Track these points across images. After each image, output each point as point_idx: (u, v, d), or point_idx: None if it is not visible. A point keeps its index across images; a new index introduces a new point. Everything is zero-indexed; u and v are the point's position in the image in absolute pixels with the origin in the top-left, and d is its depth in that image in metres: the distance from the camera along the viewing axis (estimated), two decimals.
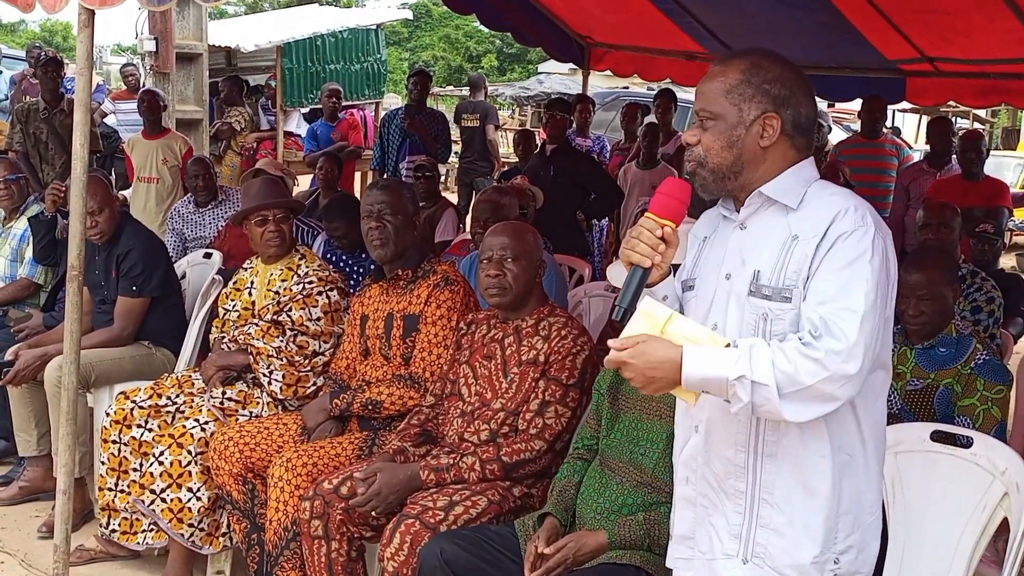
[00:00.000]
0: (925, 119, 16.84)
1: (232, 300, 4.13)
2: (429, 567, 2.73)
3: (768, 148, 2.01)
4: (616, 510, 2.72)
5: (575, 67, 9.15)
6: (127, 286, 4.34)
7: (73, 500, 3.54)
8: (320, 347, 3.88)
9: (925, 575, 2.71)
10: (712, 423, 2.09)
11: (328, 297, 3.94)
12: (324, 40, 12.98)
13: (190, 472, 3.62)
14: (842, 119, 18.06)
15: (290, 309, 3.88)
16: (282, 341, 3.83)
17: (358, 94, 13.30)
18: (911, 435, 2.85)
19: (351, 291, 4.12)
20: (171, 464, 3.62)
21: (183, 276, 4.96)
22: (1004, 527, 2.64)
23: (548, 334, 3.18)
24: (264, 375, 3.81)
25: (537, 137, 8.42)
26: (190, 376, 4.02)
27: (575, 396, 3.11)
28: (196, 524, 3.63)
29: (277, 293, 3.96)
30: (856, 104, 7.82)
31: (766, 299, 1.96)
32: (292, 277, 3.97)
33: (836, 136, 11.88)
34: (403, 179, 7.43)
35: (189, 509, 3.61)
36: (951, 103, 7.77)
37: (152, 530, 3.76)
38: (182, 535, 3.62)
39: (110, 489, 3.81)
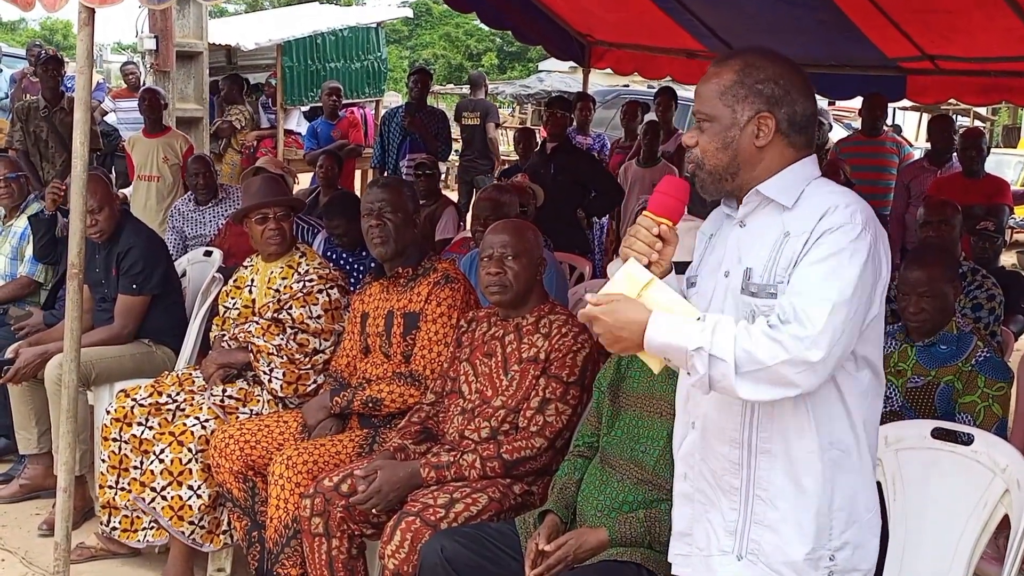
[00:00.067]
0: (926, 117, 16.83)
1: (232, 298, 4.13)
2: (430, 564, 2.73)
3: (764, 148, 2.01)
4: (617, 507, 2.72)
5: (575, 65, 9.15)
6: (127, 284, 4.34)
7: (74, 498, 3.54)
8: (320, 345, 3.88)
9: (926, 572, 2.71)
10: (708, 419, 2.10)
11: (328, 295, 3.94)
12: (324, 38, 12.99)
13: (191, 470, 3.62)
14: (843, 117, 18.05)
15: (290, 307, 3.88)
16: (282, 339, 3.83)
17: (358, 92, 13.30)
18: (912, 432, 2.85)
19: (351, 289, 4.12)
20: (172, 462, 3.63)
21: (183, 274, 4.96)
22: (1005, 524, 2.65)
23: (549, 332, 3.18)
24: (264, 373, 3.81)
25: (537, 135, 8.42)
26: (191, 374, 4.03)
27: (576, 393, 3.11)
28: (197, 522, 3.63)
29: (277, 291, 3.96)
30: (857, 102, 7.82)
31: (753, 296, 1.98)
32: (292, 275, 3.97)
33: (837, 134, 11.87)
34: (403, 177, 7.43)
35: (190, 507, 3.61)
36: (952, 101, 7.77)
37: (153, 528, 3.76)
38: (183, 533, 3.62)
39: (111, 487, 3.81)
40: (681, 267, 2.19)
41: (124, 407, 3.82)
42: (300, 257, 4.03)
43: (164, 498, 3.61)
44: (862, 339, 1.96)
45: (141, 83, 9.91)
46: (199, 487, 3.62)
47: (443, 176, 10.91)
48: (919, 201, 5.74)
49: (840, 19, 5.64)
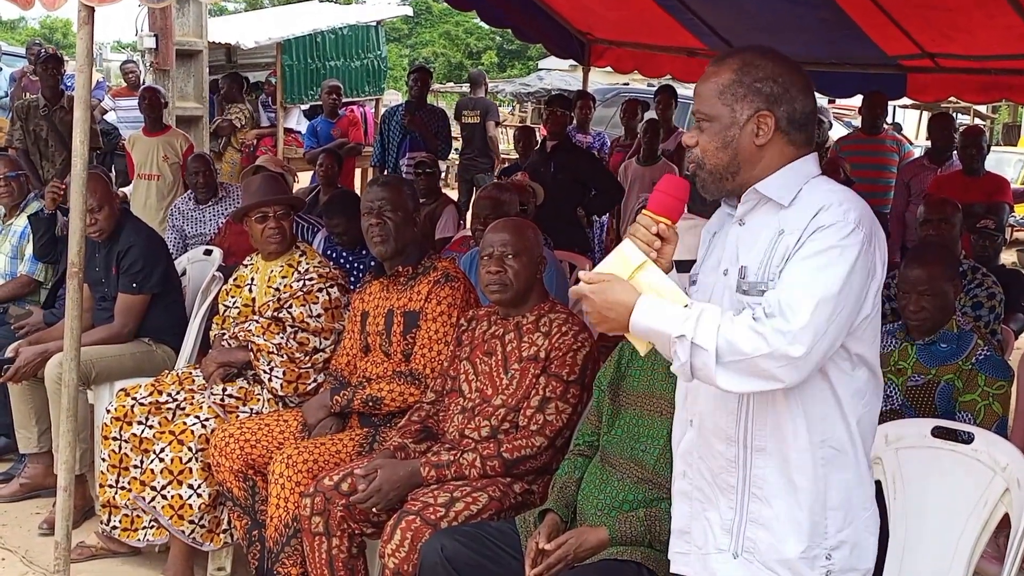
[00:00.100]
0: (926, 115, 16.83)
1: (232, 297, 4.13)
2: (430, 563, 2.73)
3: (764, 146, 2.01)
4: (617, 506, 2.72)
5: (575, 63, 9.13)
6: (127, 283, 4.34)
7: (74, 497, 3.54)
8: (320, 344, 3.88)
9: (926, 571, 2.71)
10: (704, 417, 2.10)
11: (328, 294, 3.94)
12: (324, 37, 12.97)
13: (191, 469, 3.62)
14: (843, 115, 18.04)
15: (290, 306, 3.88)
16: (282, 338, 3.83)
17: (358, 91, 13.29)
18: (912, 431, 2.85)
19: (351, 288, 4.12)
20: (172, 461, 3.63)
21: (183, 273, 4.96)
22: (1005, 523, 2.65)
23: (549, 330, 3.18)
24: (264, 372, 3.81)
25: (537, 133, 8.43)
26: (191, 373, 4.02)
27: (576, 392, 3.11)
28: (197, 521, 3.63)
29: (277, 290, 3.96)
30: (857, 100, 7.81)
31: (744, 294, 1.99)
32: (292, 274, 3.97)
33: (837, 132, 11.86)
34: (403, 175, 7.43)
35: (190, 506, 3.61)
36: (952, 99, 7.77)
37: (153, 527, 3.76)
38: (183, 532, 3.62)
39: (111, 486, 3.81)
40: (683, 265, 2.20)
41: (124, 406, 3.82)
42: (300, 256, 4.03)
43: (164, 497, 3.61)
44: (856, 337, 1.96)
45: (141, 82, 9.90)
46: (199, 486, 3.62)
47: (443, 174, 10.91)
48: (919, 199, 5.74)
49: (840, 17, 5.63)
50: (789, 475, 2.00)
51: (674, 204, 2.04)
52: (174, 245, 5.94)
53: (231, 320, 4.07)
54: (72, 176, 3.44)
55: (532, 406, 3.11)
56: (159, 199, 7.14)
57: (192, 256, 5.17)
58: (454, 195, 8.75)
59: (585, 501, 2.80)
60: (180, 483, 3.62)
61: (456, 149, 10.83)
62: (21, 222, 5.27)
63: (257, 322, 3.89)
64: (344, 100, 10.31)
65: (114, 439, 3.80)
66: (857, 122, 9.62)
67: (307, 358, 3.84)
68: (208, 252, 5.10)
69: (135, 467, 3.73)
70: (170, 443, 3.65)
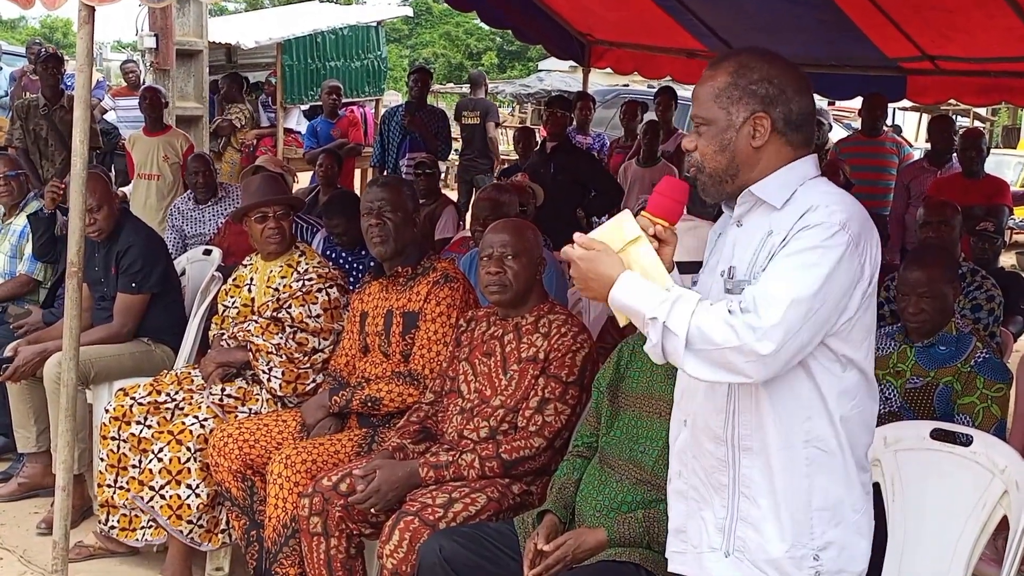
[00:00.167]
0: (926, 117, 16.83)
1: (232, 297, 4.13)
2: (428, 564, 2.73)
3: (761, 148, 2.01)
4: (615, 508, 2.72)
5: (575, 64, 9.14)
6: (127, 283, 4.34)
7: (72, 497, 3.54)
8: (319, 344, 3.88)
9: (925, 573, 2.71)
10: (696, 417, 2.12)
11: (328, 294, 3.93)
12: (324, 37, 12.98)
13: (189, 469, 3.62)
14: (842, 117, 18.06)
15: (290, 306, 3.88)
16: (281, 338, 3.83)
17: (358, 91, 13.30)
18: (911, 433, 2.85)
19: (351, 288, 4.11)
20: (170, 461, 3.62)
21: (183, 273, 4.96)
22: (1004, 525, 2.65)
23: (548, 331, 3.18)
24: (263, 372, 3.81)
25: (537, 134, 8.42)
26: (189, 373, 4.02)
27: (575, 393, 3.11)
28: (195, 521, 3.63)
29: (277, 290, 3.95)
30: (856, 102, 7.82)
31: (730, 293, 2.00)
32: (292, 274, 3.97)
33: (836, 134, 11.87)
34: (403, 176, 7.43)
35: (188, 506, 3.61)
36: (951, 101, 7.76)
37: (151, 527, 3.76)
38: (181, 532, 3.62)
39: (109, 486, 3.81)
40: (684, 267, 2.20)
41: (123, 406, 3.81)
42: (299, 256, 4.03)
43: (163, 497, 3.61)
44: (841, 339, 1.96)
45: (141, 81, 9.90)
46: (198, 486, 3.62)
47: (443, 175, 10.89)
48: (919, 201, 5.75)
49: (840, 18, 5.64)
50: (773, 474, 2.00)
51: (672, 206, 2.05)
52: (173, 245, 5.94)
53: (230, 320, 4.07)
54: (72, 176, 3.44)
55: (531, 407, 3.11)
56: (159, 199, 7.14)
57: (191, 256, 5.17)
58: (454, 196, 8.75)
59: (584, 502, 2.80)
60: (178, 483, 3.61)
61: (456, 150, 10.84)
62: (20, 221, 5.27)
63: (256, 322, 3.89)
64: (344, 100, 10.31)
65: (113, 439, 3.79)
66: (857, 124, 9.62)
67: (306, 358, 3.84)
68: (207, 252, 5.10)
69: (133, 467, 3.73)
70: (169, 443, 3.65)
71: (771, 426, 1.99)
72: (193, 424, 3.69)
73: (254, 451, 3.50)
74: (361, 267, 4.91)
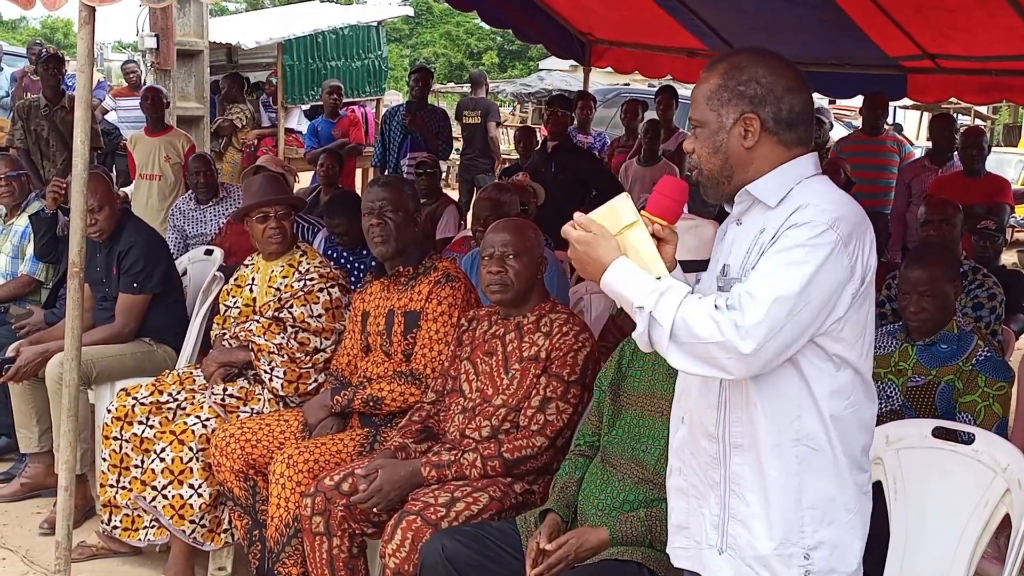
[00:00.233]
0: (926, 116, 16.82)
1: (233, 297, 4.14)
2: (431, 563, 2.74)
3: (753, 148, 2.01)
4: (618, 506, 2.72)
5: (576, 64, 9.13)
6: (128, 283, 4.34)
7: (75, 497, 3.54)
8: (321, 344, 3.88)
9: (927, 572, 2.71)
10: (692, 414, 2.12)
11: (329, 294, 3.94)
12: (325, 37, 12.97)
13: (191, 468, 3.63)
14: (843, 116, 18.04)
15: (291, 306, 3.88)
16: (283, 338, 3.83)
17: (359, 91, 13.29)
18: (913, 431, 2.85)
19: (352, 288, 4.12)
20: (172, 460, 3.63)
21: (184, 273, 4.96)
22: (1006, 523, 2.65)
23: (549, 330, 3.18)
24: (265, 372, 3.81)
25: (538, 134, 8.43)
26: (191, 373, 4.03)
27: (576, 392, 3.11)
28: (198, 520, 3.63)
29: (278, 290, 3.96)
30: (857, 101, 7.82)
31: (721, 290, 2.01)
32: (293, 274, 3.97)
33: (837, 133, 11.86)
34: (404, 176, 7.43)
35: (191, 505, 3.61)
36: (952, 100, 7.76)
37: (154, 526, 3.76)
38: (183, 531, 3.62)
39: (111, 486, 3.81)
40: (685, 266, 2.21)
41: (125, 406, 3.82)
42: (301, 256, 4.03)
43: (165, 497, 3.61)
44: (832, 338, 1.95)
45: (142, 82, 9.91)
46: (200, 486, 3.62)
47: (444, 175, 10.90)
48: (920, 200, 5.74)
49: (840, 17, 5.64)
50: (762, 472, 2.00)
51: (671, 205, 2.06)
52: (175, 245, 5.94)
53: (232, 320, 4.08)
54: (73, 176, 3.44)
55: (533, 406, 3.11)
56: (160, 199, 7.14)
57: (193, 256, 5.17)
58: (455, 195, 8.75)
59: (586, 501, 2.80)
60: (181, 483, 3.62)
61: (457, 149, 10.84)
62: (22, 222, 5.27)
63: (258, 322, 3.89)
64: (345, 100, 10.32)
65: (115, 439, 3.80)
66: (858, 123, 9.61)
67: (308, 358, 3.84)
68: (209, 252, 5.10)
69: (136, 467, 3.73)
70: (171, 443, 3.65)
71: (761, 424, 1.99)
72: (195, 424, 3.69)
73: (256, 451, 3.50)
74: (362, 267, 4.91)
